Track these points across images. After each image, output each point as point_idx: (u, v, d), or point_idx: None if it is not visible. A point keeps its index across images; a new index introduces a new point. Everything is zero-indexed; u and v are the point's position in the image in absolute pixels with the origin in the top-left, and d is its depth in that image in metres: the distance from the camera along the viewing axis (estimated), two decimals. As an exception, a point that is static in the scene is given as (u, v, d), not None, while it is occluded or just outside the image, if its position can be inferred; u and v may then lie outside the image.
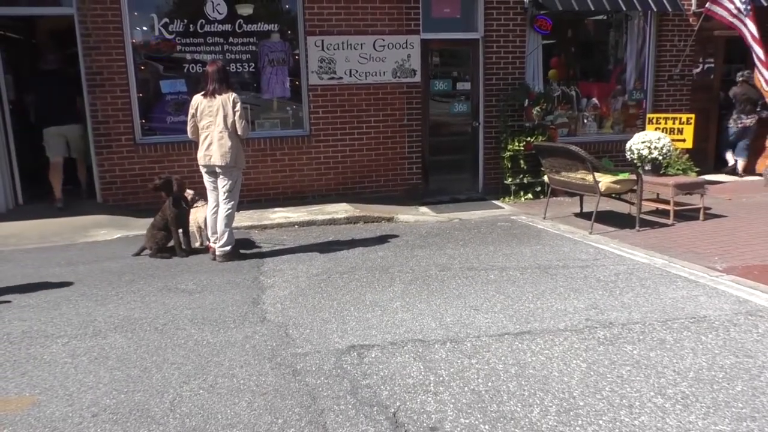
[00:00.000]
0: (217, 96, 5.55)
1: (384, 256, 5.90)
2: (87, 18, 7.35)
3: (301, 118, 8.42)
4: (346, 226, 7.28)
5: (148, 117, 7.95)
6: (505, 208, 8.27)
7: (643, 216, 6.97)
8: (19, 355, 3.72)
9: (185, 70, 7.91)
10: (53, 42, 9.54)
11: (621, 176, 6.97)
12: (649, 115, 9.31)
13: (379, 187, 8.70)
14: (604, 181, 6.70)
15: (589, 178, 6.70)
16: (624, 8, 8.88)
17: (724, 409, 2.95)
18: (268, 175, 8.24)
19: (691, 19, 9.51)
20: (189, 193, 6.23)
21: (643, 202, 7.02)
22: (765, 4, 9.17)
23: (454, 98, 9.02)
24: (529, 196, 8.73)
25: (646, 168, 7.52)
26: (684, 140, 8.73)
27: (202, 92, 5.66)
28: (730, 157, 10.25)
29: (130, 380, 3.37)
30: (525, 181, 8.73)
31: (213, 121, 5.56)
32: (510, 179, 8.72)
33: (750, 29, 8.72)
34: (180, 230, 6.01)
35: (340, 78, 8.28)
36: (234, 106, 5.53)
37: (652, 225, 6.97)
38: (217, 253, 5.77)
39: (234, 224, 5.92)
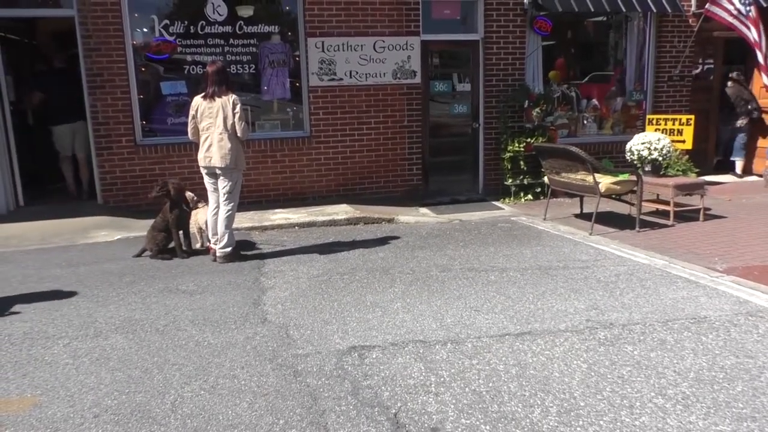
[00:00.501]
0: (217, 98, 5.56)
1: (384, 257, 5.90)
2: (87, 19, 7.37)
3: (302, 120, 8.43)
4: (347, 227, 7.29)
5: (148, 118, 7.96)
6: (505, 209, 8.28)
7: (643, 217, 6.97)
8: (20, 356, 3.73)
9: (186, 72, 7.92)
10: (54, 43, 9.58)
11: (621, 177, 6.98)
12: (648, 116, 9.32)
13: (379, 188, 8.70)
14: (604, 182, 6.71)
15: (590, 179, 6.71)
16: (624, 9, 8.90)
17: (724, 409, 2.96)
18: (268, 177, 8.25)
19: (690, 20, 9.53)
20: (189, 195, 6.24)
21: (643, 203, 7.02)
22: (765, 5, 9.17)
23: (454, 99, 9.03)
24: (530, 197, 8.74)
25: (646, 169, 7.53)
26: (684, 141, 8.74)
27: (202, 94, 5.67)
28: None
29: (131, 381, 3.38)
30: (525, 182, 8.73)
31: (213, 122, 5.57)
32: (510, 180, 8.72)
33: (752, 33, 8.72)
34: (180, 232, 6.02)
35: (341, 79, 8.29)
36: (234, 108, 5.54)
37: (653, 226, 6.97)
38: (217, 254, 5.77)
39: (234, 225, 5.93)
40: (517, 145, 8.59)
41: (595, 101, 9.70)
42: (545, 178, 7.77)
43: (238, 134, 5.60)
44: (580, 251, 5.97)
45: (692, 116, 8.82)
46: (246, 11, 8.03)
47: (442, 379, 3.31)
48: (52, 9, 7.81)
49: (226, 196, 5.70)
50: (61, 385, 3.35)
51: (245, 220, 7.25)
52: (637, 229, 6.72)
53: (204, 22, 7.85)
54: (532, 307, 4.41)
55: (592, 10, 8.73)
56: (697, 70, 10.26)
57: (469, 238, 6.66)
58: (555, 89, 9.41)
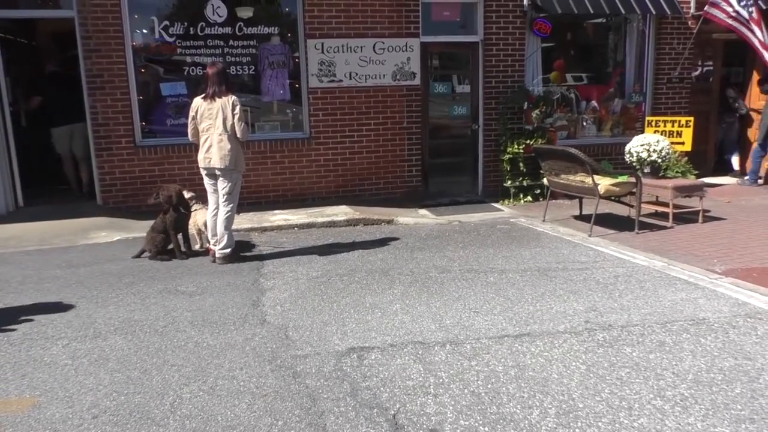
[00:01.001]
0: (216, 99, 5.56)
1: (384, 258, 5.90)
2: (87, 21, 7.37)
3: (301, 121, 8.43)
4: (346, 229, 7.29)
5: (148, 119, 7.96)
6: (504, 210, 8.29)
7: (642, 218, 6.98)
8: (19, 357, 3.73)
9: (185, 73, 7.93)
10: (54, 44, 9.60)
11: (620, 179, 6.99)
12: (648, 118, 9.32)
13: (378, 190, 8.71)
14: (604, 183, 6.71)
15: (589, 180, 6.71)
16: (623, 11, 8.91)
17: (723, 411, 2.96)
18: (268, 178, 8.25)
19: (689, 22, 9.54)
20: (188, 194, 6.23)
21: (643, 205, 7.03)
22: (764, 6, 9.18)
23: (453, 101, 9.03)
24: (529, 198, 8.75)
25: (645, 170, 7.53)
26: (683, 143, 8.75)
27: (202, 95, 5.68)
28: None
29: (130, 382, 3.38)
30: (524, 183, 8.74)
31: (213, 123, 5.57)
32: (509, 182, 8.73)
33: (756, 35, 8.72)
34: (179, 233, 6.02)
35: (340, 81, 8.30)
36: (233, 109, 5.54)
37: (652, 227, 6.98)
38: (217, 255, 5.78)
39: (234, 226, 5.93)
40: (516, 146, 8.59)
41: (594, 103, 9.70)
42: (544, 180, 7.77)
43: (238, 135, 5.60)
44: (579, 253, 5.97)
45: (691, 118, 8.83)
46: (246, 13, 8.04)
47: (440, 381, 3.31)
48: (51, 10, 7.83)
49: (225, 197, 5.71)
50: (59, 385, 3.35)
51: (245, 221, 7.26)
52: (636, 230, 6.73)
53: (204, 24, 7.86)
54: (531, 309, 4.41)
55: (592, 11, 8.74)
56: (697, 72, 10.27)
57: (468, 239, 6.66)
58: (554, 91, 9.42)
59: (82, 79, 7.55)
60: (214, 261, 5.80)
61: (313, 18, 8.09)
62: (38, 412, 3.07)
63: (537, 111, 8.60)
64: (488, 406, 3.04)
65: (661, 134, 8.51)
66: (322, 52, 8.17)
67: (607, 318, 4.20)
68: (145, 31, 7.81)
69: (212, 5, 7.83)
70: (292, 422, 2.92)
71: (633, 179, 6.84)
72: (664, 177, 7.86)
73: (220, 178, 5.68)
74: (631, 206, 7.08)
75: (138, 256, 5.99)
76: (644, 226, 6.93)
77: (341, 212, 7.76)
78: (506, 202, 8.71)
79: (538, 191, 8.73)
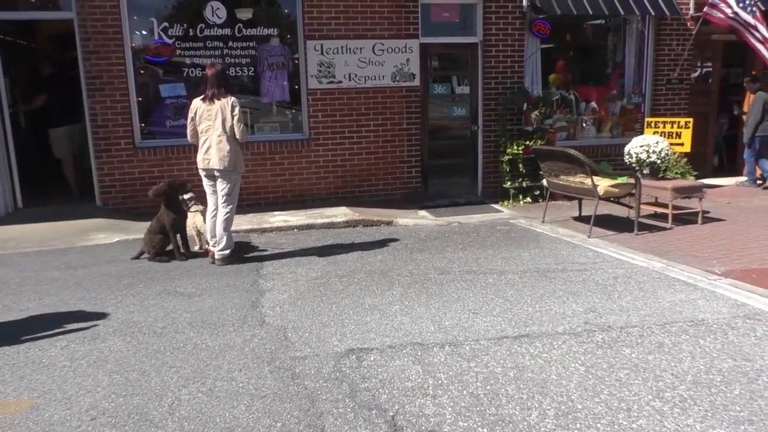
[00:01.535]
0: (215, 100, 5.57)
1: (383, 259, 5.90)
2: (87, 22, 7.37)
3: (301, 122, 8.44)
4: (346, 230, 7.29)
5: (147, 121, 7.96)
6: (504, 211, 8.28)
7: (641, 220, 6.98)
8: (17, 359, 3.72)
9: (185, 74, 7.93)
10: (54, 46, 9.61)
11: (619, 180, 6.99)
12: (647, 119, 9.34)
13: (378, 191, 8.71)
14: (603, 184, 6.71)
15: (588, 181, 6.71)
16: (622, 12, 8.92)
17: (722, 412, 2.96)
18: (267, 179, 8.25)
19: (689, 23, 9.55)
20: (187, 195, 6.22)
21: (642, 206, 7.03)
22: (763, 8, 9.19)
23: (453, 102, 9.03)
24: (528, 199, 8.74)
25: (645, 172, 7.53)
26: (682, 144, 8.76)
27: (201, 96, 5.68)
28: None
29: (128, 384, 3.37)
30: (524, 184, 8.74)
31: (212, 125, 5.57)
32: (509, 183, 8.73)
33: (761, 31, 8.71)
34: (178, 234, 6.02)
35: (340, 82, 8.30)
36: (232, 110, 5.54)
37: (651, 228, 6.98)
38: (216, 256, 5.77)
39: (233, 228, 5.93)
40: (515, 147, 8.59)
41: (593, 104, 9.71)
42: (544, 181, 7.77)
43: (237, 136, 5.60)
44: (578, 254, 5.97)
45: (691, 119, 8.85)
46: (245, 14, 8.04)
47: (439, 382, 3.31)
48: (51, 12, 7.84)
49: (224, 198, 5.71)
50: (58, 387, 3.34)
51: (244, 222, 7.26)
52: (636, 231, 6.72)
53: (203, 25, 7.86)
54: (530, 310, 4.41)
55: (591, 13, 8.75)
56: (696, 74, 10.28)
57: (467, 240, 6.66)
58: (554, 92, 9.42)
59: (82, 80, 7.55)
60: (213, 262, 5.80)
61: (312, 19, 8.09)
62: (36, 414, 3.06)
63: (536, 112, 8.61)
64: (487, 408, 3.03)
65: (661, 135, 8.51)
66: (322, 54, 8.17)
67: (606, 319, 4.20)
68: (144, 32, 7.81)
69: (211, 7, 7.83)
70: (290, 424, 2.92)
71: (632, 180, 6.84)
72: (663, 178, 7.86)
73: (219, 180, 5.68)
74: (631, 207, 7.08)
75: (137, 257, 5.99)
76: (643, 227, 6.93)
77: (340, 213, 7.76)
78: (506, 203, 8.71)
79: (538, 192, 8.73)
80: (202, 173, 5.78)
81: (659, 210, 7.38)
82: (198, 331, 4.12)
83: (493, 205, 8.65)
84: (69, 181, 8.61)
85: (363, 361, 3.59)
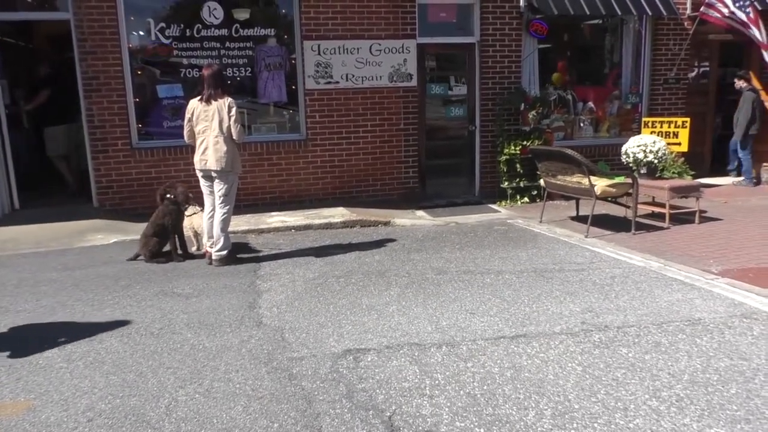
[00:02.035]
0: (212, 101, 5.56)
1: (380, 260, 5.90)
2: (83, 23, 7.36)
3: (298, 123, 8.43)
4: (343, 230, 7.29)
5: (144, 121, 7.95)
6: (501, 211, 8.29)
7: (638, 219, 6.99)
8: (14, 360, 3.71)
9: (182, 75, 7.92)
10: (51, 47, 9.61)
11: (617, 180, 7.00)
12: (644, 119, 9.34)
13: (375, 191, 8.71)
14: (600, 184, 6.72)
15: (585, 181, 6.72)
16: (619, 12, 8.92)
17: (718, 411, 2.96)
18: (264, 180, 8.25)
19: (686, 23, 9.56)
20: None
21: (639, 206, 7.05)
22: (759, 7, 9.20)
23: (450, 102, 9.04)
24: (526, 199, 8.75)
25: (642, 171, 7.54)
26: (679, 144, 8.77)
27: (198, 97, 5.67)
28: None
29: (125, 385, 3.37)
30: (521, 184, 8.74)
31: (209, 125, 5.57)
32: (506, 183, 8.73)
33: (758, 31, 8.73)
34: (176, 235, 6.01)
35: (337, 82, 8.30)
36: (229, 111, 5.54)
37: (648, 228, 6.99)
38: (213, 257, 5.77)
39: (230, 228, 5.93)
40: (513, 147, 8.60)
41: (591, 104, 9.72)
42: (541, 181, 7.78)
43: (234, 137, 5.60)
44: (575, 254, 5.97)
45: (688, 119, 8.86)
46: (242, 14, 8.03)
47: (436, 382, 3.31)
48: (48, 12, 7.82)
49: (221, 199, 5.70)
50: (54, 388, 3.34)
51: (241, 223, 7.25)
52: (633, 231, 6.73)
53: (200, 26, 7.85)
54: (528, 310, 4.41)
55: (588, 13, 8.76)
56: (693, 73, 10.29)
57: (465, 240, 6.66)
58: (551, 92, 9.43)
59: (78, 81, 7.53)
60: (210, 263, 5.80)
61: (309, 20, 8.09)
62: (33, 416, 3.06)
63: (534, 112, 8.61)
64: (484, 408, 3.04)
65: (658, 135, 8.52)
66: (319, 54, 8.17)
67: (604, 319, 4.21)
68: (141, 33, 7.80)
69: (209, 7, 7.82)
70: (287, 424, 2.92)
71: (629, 180, 6.85)
72: (660, 178, 7.87)
73: (217, 180, 5.67)
74: (628, 207, 7.09)
75: (133, 258, 5.97)
76: (641, 227, 6.94)
77: (338, 214, 7.76)
78: (503, 203, 8.71)
79: (535, 192, 8.73)
80: (199, 174, 5.78)
81: (656, 210, 7.39)
82: (195, 332, 4.11)
83: (490, 205, 8.65)
84: (66, 179, 8.62)
85: (360, 361, 3.59)
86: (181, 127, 5.96)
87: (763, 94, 9.81)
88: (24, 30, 9.51)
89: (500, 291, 4.84)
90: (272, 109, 8.47)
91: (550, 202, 8.29)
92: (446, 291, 4.88)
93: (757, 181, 9.60)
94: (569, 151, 6.80)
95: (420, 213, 8.18)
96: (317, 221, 7.42)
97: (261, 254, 6.21)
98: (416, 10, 8.48)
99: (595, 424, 2.87)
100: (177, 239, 6.03)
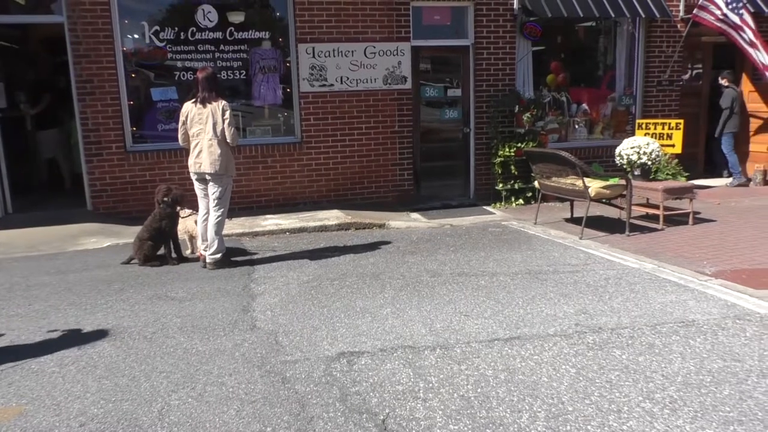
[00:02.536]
0: (207, 104, 5.55)
1: (375, 262, 5.90)
2: (77, 26, 7.35)
3: (293, 125, 8.43)
4: (338, 233, 7.28)
5: (138, 125, 7.94)
6: (496, 213, 8.30)
7: (632, 221, 7.01)
8: (6, 365, 3.69)
9: (176, 78, 7.91)
10: (45, 50, 9.60)
11: (611, 181, 7.02)
12: (638, 121, 9.38)
13: (370, 194, 8.70)
14: (594, 186, 6.73)
15: (579, 183, 6.73)
16: (612, 14, 8.96)
17: (711, 413, 2.97)
18: (259, 182, 8.24)
19: (679, 25, 9.60)
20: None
21: (633, 207, 7.06)
22: (752, 9, 9.25)
23: (445, 105, 9.05)
24: (520, 201, 8.76)
25: (636, 173, 7.57)
26: (673, 145, 8.80)
27: (193, 100, 5.67)
28: None
29: (118, 389, 3.35)
30: (516, 186, 8.76)
31: (203, 128, 5.56)
32: (501, 185, 8.74)
33: (749, 33, 8.80)
34: (169, 238, 5.99)
35: (332, 85, 8.30)
36: (223, 114, 5.53)
37: (642, 230, 7.00)
38: (207, 260, 5.75)
39: (225, 231, 5.91)
40: (507, 150, 8.61)
41: (585, 106, 9.75)
42: (536, 183, 7.79)
43: (228, 140, 5.59)
44: (570, 255, 5.98)
45: (681, 120, 8.89)
46: (237, 17, 8.03)
47: (430, 385, 3.30)
48: (41, 15, 7.78)
49: (216, 201, 5.69)
50: (47, 393, 3.32)
51: (236, 226, 7.24)
52: (627, 233, 6.75)
53: (194, 29, 7.85)
54: (522, 312, 4.41)
55: (581, 15, 8.79)
56: (686, 75, 10.34)
57: (459, 242, 6.66)
58: (545, 94, 9.45)
59: (72, 84, 7.52)
60: (204, 266, 5.78)
61: (304, 22, 8.09)
62: (24, 421, 3.04)
63: (528, 114, 8.63)
64: (478, 411, 3.03)
65: (652, 137, 8.56)
66: (313, 57, 8.17)
67: (597, 320, 4.21)
68: (135, 36, 7.79)
69: (203, 10, 7.82)
70: (280, 428, 2.91)
71: (623, 182, 6.86)
72: (654, 179, 7.90)
73: (211, 183, 5.66)
74: (622, 209, 7.10)
75: (127, 262, 5.95)
76: (635, 229, 6.95)
77: (333, 216, 7.75)
78: (498, 205, 8.72)
79: (530, 194, 8.75)
80: (193, 177, 5.77)
81: (650, 211, 7.40)
82: (188, 336, 4.10)
83: (485, 207, 8.66)
84: (65, 178, 8.83)
85: (354, 364, 3.59)
86: (176, 130, 5.95)
87: (755, 95, 9.87)
88: (19, 33, 9.47)
89: (494, 293, 4.84)
90: (267, 111, 8.47)
91: (545, 203, 8.30)
92: (440, 293, 4.88)
93: (747, 180, 9.66)
94: (563, 153, 6.81)
95: (415, 215, 8.18)
96: (312, 224, 7.41)
97: (255, 257, 6.20)
98: (410, 13, 8.50)
99: (589, 426, 2.87)
100: (171, 242, 6.01)
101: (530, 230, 7.18)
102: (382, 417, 2.99)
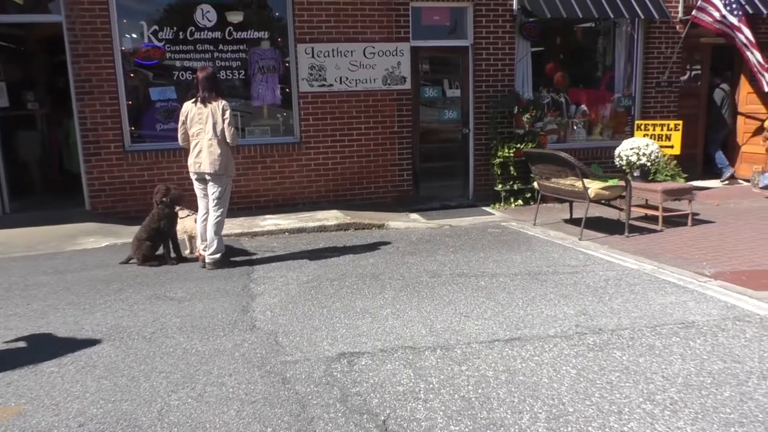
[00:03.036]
0: (207, 103, 5.54)
1: (374, 262, 5.89)
2: (75, 25, 7.33)
3: (292, 125, 8.42)
4: (337, 233, 7.27)
5: (137, 124, 7.92)
6: (495, 214, 8.29)
7: (632, 222, 7.01)
8: (4, 365, 3.68)
9: (175, 78, 7.89)
10: (42, 49, 9.59)
11: (610, 182, 7.01)
12: (637, 122, 9.38)
13: (369, 194, 8.70)
14: (594, 187, 6.73)
15: (579, 184, 6.73)
16: (611, 15, 8.96)
17: (712, 414, 2.96)
18: (258, 182, 8.23)
19: (677, 27, 9.61)
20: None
21: (632, 208, 7.06)
22: (750, 11, 9.27)
23: (444, 105, 9.05)
24: (520, 202, 8.76)
25: (635, 174, 7.57)
26: (672, 146, 8.81)
27: (193, 99, 5.66)
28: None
29: (117, 389, 3.34)
30: (515, 187, 8.75)
31: (203, 128, 5.55)
32: (500, 186, 8.74)
33: (746, 35, 8.82)
34: (168, 238, 5.98)
35: (331, 85, 8.29)
36: (223, 114, 5.52)
37: (641, 231, 7.01)
38: (206, 260, 5.74)
39: (224, 231, 5.90)
40: (507, 150, 8.61)
41: (584, 107, 9.75)
42: (535, 184, 7.79)
43: (228, 140, 5.58)
44: (569, 256, 5.98)
45: (680, 122, 8.90)
46: (236, 17, 8.02)
47: (431, 386, 3.30)
48: (40, 14, 7.76)
49: (215, 201, 5.68)
50: (45, 393, 3.31)
51: (235, 226, 7.22)
52: (626, 234, 6.75)
53: (193, 28, 7.83)
54: (522, 313, 4.41)
55: (580, 16, 8.79)
56: (685, 77, 10.35)
57: (459, 243, 6.66)
58: (544, 95, 9.46)
59: (71, 84, 7.50)
60: (203, 266, 5.77)
61: (303, 22, 8.08)
62: (23, 421, 3.03)
63: (527, 115, 8.62)
64: (478, 411, 3.03)
65: (650, 138, 8.56)
66: (313, 57, 8.16)
67: (598, 322, 4.21)
68: (134, 35, 7.77)
69: (202, 10, 7.81)
70: (281, 429, 2.90)
71: (623, 183, 6.86)
72: (653, 180, 7.90)
73: (210, 183, 5.65)
74: (621, 210, 7.11)
75: (125, 262, 5.94)
76: (634, 230, 6.96)
77: (332, 217, 7.74)
78: (497, 205, 8.72)
79: (529, 195, 8.75)
80: (193, 177, 5.76)
81: (649, 212, 7.41)
82: (188, 336, 4.09)
83: (484, 208, 8.66)
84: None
85: (354, 365, 3.58)
86: (174, 129, 5.95)
87: (753, 96, 9.90)
88: (18, 32, 9.45)
89: (494, 294, 4.84)
90: (266, 111, 8.45)
91: (544, 204, 8.30)
92: (440, 294, 4.87)
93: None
94: (563, 154, 6.81)
95: (414, 216, 8.17)
96: (311, 224, 7.40)
97: (254, 257, 6.18)
98: (410, 13, 8.49)
99: (590, 428, 2.86)
100: (170, 242, 6.00)
101: (529, 231, 7.18)
102: (382, 418, 2.98)
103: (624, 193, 6.82)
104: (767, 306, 4.45)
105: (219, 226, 5.72)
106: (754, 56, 8.93)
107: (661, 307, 4.47)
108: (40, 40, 9.67)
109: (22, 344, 4.01)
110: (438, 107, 9.02)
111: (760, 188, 9.18)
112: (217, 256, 5.74)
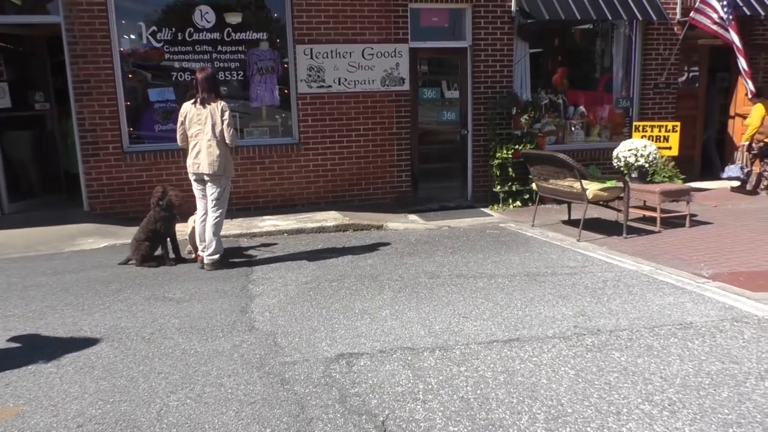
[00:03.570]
0: (206, 104, 5.55)
1: (373, 263, 5.89)
2: (74, 26, 7.33)
3: (290, 126, 8.42)
4: (336, 234, 7.27)
5: (136, 125, 7.92)
6: (493, 215, 8.30)
7: (630, 223, 7.02)
8: (2, 366, 3.67)
9: (173, 79, 7.89)
10: (40, 50, 9.56)
11: (608, 184, 7.03)
12: (635, 123, 9.40)
13: (368, 195, 8.70)
14: (592, 188, 6.75)
15: (577, 185, 6.75)
16: (609, 17, 8.98)
17: (710, 415, 2.97)
18: (257, 183, 8.23)
19: (675, 28, 9.64)
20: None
21: (630, 210, 7.08)
22: (748, 12, 9.30)
23: (442, 106, 9.06)
24: (518, 203, 8.77)
25: (633, 175, 7.58)
26: (670, 148, 8.83)
27: (192, 100, 5.66)
28: None
29: (116, 390, 3.34)
30: (513, 188, 8.77)
31: (202, 129, 5.55)
32: (499, 187, 8.75)
33: (733, 39, 8.86)
34: (167, 238, 5.97)
35: (329, 86, 8.30)
36: (222, 115, 5.53)
37: (639, 232, 7.02)
38: (205, 261, 5.74)
39: (223, 232, 5.90)
40: (505, 152, 8.62)
41: (582, 108, 9.77)
42: (533, 185, 7.81)
43: (227, 141, 5.58)
44: (567, 257, 5.99)
45: (678, 123, 8.92)
46: (234, 18, 8.02)
47: (430, 387, 3.30)
48: (38, 15, 7.75)
49: (214, 202, 5.68)
50: (44, 394, 3.31)
51: (234, 227, 7.22)
52: (624, 235, 6.76)
53: (192, 29, 7.84)
54: (520, 314, 4.41)
55: (578, 17, 8.80)
56: (683, 78, 10.37)
57: (457, 244, 6.66)
58: (543, 96, 9.47)
59: (69, 84, 7.49)
60: (202, 267, 5.77)
61: (301, 24, 8.09)
62: (22, 422, 3.02)
63: (526, 116, 8.64)
64: (477, 412, 3.03)
65: (648, 139, 8.57)
66: (311, 58, 8.17)
67: (596, 322, 4.21)
68: (132, 36, 7.77)
69: (200, 11, 7.81)
70: (280, 430, 2.90)
71: (621, 184, 6.88)
72: (651, 182, 7.92)
73: (209, 184, 5.65)
74: (619, 211, 7.12)
75: (124, 263, 5.94)
76: (632, 231, 6.97)
77: (331, 218, 7.74)
78: (495, 207, 8.73)
79: (527, 196, 8.76)
80: (191, 177, 5.76)
81: (648, 213, 7.42)
82: (187, 337, 4.09)
83: (483, 209, 8.67)
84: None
85: (353, 366, 3.58)
86: (173, 130, 5.95)
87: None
88: (18, 33, 9.43)
89: (493, 295, 4.85)
90: (265, 112, 8.46)
91: (542, 205, 8.32)
92: (439, 295, 4.88)
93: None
94: (561, 155, 6.82)
95: (412, 217, 8.18)
96: (310, 225, 7.40)
97: (253, 258, 6.19)
98: (408, 15, 8.50)
99: (588, 428, 2.87)
100: (169, 243, 6.00)
101: (528, 232, 7.19)
102: (381, 418, 2.99)
103: (622, 195, 6.84)
104: (765, 307, 4.46)
105: (218, 227, 5.72)
106: (740, 63, 8.98)
107: (660, 308, 4.47)
108: (46, 39, 9.67)
109: (20, 345, 4.00)
110: (437, 108, 9.03)
111: (725, 179, 9.24)
112: (216, 256, 5.74)
